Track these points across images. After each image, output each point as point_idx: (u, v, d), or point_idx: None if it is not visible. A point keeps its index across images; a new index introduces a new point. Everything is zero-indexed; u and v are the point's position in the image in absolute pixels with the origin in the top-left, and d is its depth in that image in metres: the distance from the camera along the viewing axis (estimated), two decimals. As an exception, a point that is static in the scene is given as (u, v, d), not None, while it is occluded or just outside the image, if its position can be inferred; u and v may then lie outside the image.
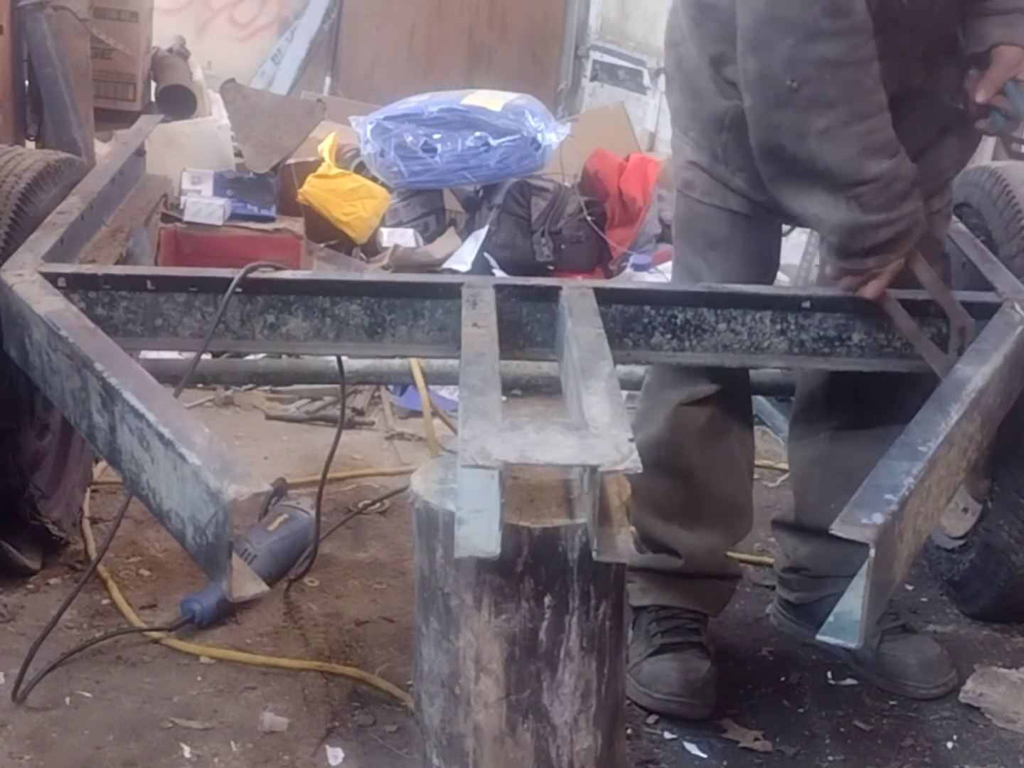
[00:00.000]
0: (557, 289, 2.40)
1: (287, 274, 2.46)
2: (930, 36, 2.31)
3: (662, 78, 3.61)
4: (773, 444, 3.73)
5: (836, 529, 1.71)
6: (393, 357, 2.98)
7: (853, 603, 1.71)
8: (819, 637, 1.73)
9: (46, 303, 2.25)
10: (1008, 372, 2.25)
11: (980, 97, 2.29)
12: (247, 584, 1.74)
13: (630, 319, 2.44)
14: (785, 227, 2.58)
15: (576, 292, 2.37)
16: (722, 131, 2.39)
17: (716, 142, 2.41)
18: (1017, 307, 2.42)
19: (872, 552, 1.68)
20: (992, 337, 2.31)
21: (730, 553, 2.74)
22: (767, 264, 2.55)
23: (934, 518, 2.02)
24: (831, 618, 1.72)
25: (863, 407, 2.60)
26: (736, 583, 2.73)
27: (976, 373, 2.16)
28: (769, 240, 2.53)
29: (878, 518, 1.73)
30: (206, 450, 1.79)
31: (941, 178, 2.45)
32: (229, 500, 1.67)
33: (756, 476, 3.48)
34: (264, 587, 1.75)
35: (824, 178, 2.19)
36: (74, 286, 2.40)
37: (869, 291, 2.32)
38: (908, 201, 2.23)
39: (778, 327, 2.46)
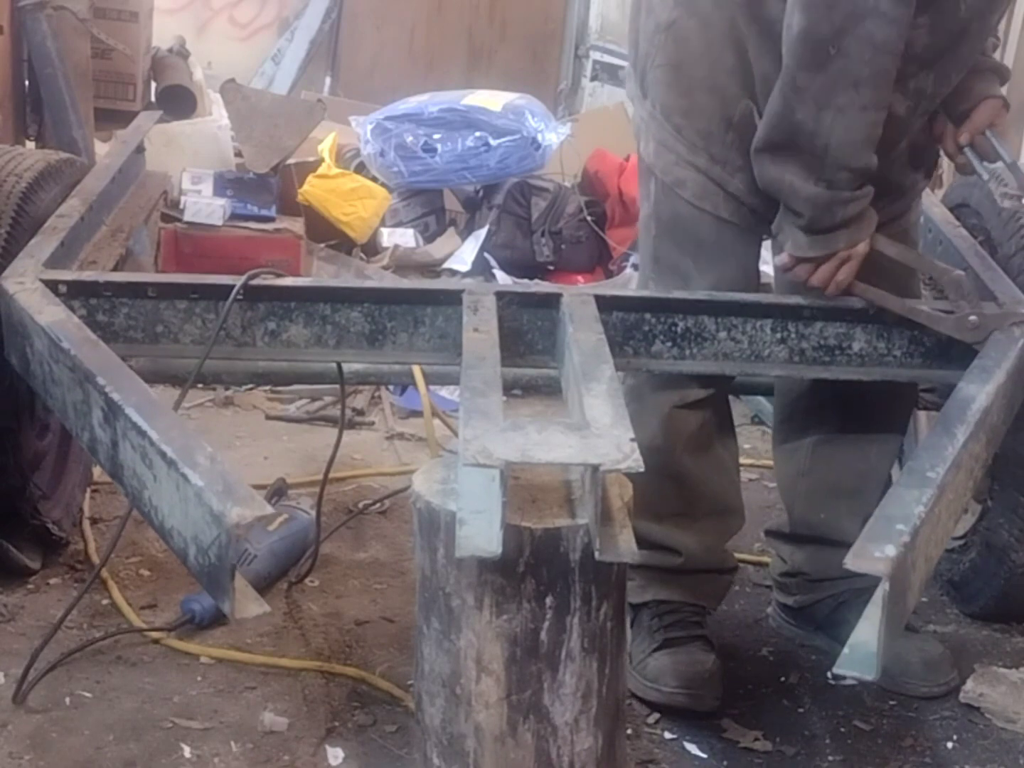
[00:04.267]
0: (558, 296, 2.39)
1: (288, 281, 2.45)
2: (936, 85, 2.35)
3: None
4: (773, 444, 3.73)
5: (849, 564, 1.67)
6: (394, 364, 2.98)
7: (868, 635, 1.66)
8: (835, 671, 1.69)
9: (47, 313, 2.24)
10: (1011, 388, 2.24)
11: (964, 139, 2.40)
12: (249, 605, 1.72)
13: (631, 327, 2.43)
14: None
15: (577, 299, 2.36)
16: (729, 129, 2.38)
17: (718, 141, 2.39)
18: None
19: (886, 586, 1.65)
20: (994, 353, 2.29)
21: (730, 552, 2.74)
22: (753, 274, 2.55)
23: (944, 543, 1.99)
24: (846, 650, 1.68)
25: (843, 417, 2.60)
26: (733, 576, 2.72)
27: (980, 392, 2.13)
28: (752, 251, 2.53)
29: (891, 550, 1.69)
30: (209, 471, 1.76)
31: (914, 190, 2.52)
32: (232, 523, 1.66)
33: (756, 476, 3.52)
34: (266, 607, 1.73)
35: (813, 156, 2.20)
36: (75, 293, 2.39)
37: (843, 274, 2.32)
38: (867, 184, 2.27)
39: (779, 335, 2.45)
